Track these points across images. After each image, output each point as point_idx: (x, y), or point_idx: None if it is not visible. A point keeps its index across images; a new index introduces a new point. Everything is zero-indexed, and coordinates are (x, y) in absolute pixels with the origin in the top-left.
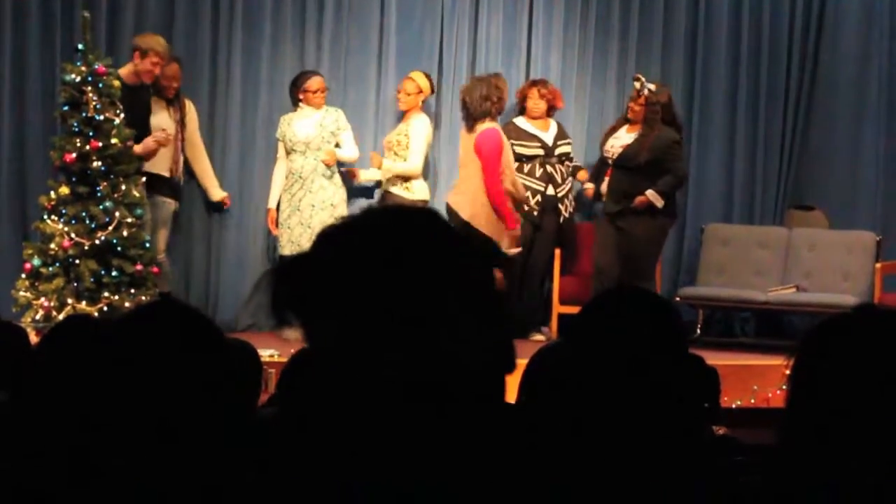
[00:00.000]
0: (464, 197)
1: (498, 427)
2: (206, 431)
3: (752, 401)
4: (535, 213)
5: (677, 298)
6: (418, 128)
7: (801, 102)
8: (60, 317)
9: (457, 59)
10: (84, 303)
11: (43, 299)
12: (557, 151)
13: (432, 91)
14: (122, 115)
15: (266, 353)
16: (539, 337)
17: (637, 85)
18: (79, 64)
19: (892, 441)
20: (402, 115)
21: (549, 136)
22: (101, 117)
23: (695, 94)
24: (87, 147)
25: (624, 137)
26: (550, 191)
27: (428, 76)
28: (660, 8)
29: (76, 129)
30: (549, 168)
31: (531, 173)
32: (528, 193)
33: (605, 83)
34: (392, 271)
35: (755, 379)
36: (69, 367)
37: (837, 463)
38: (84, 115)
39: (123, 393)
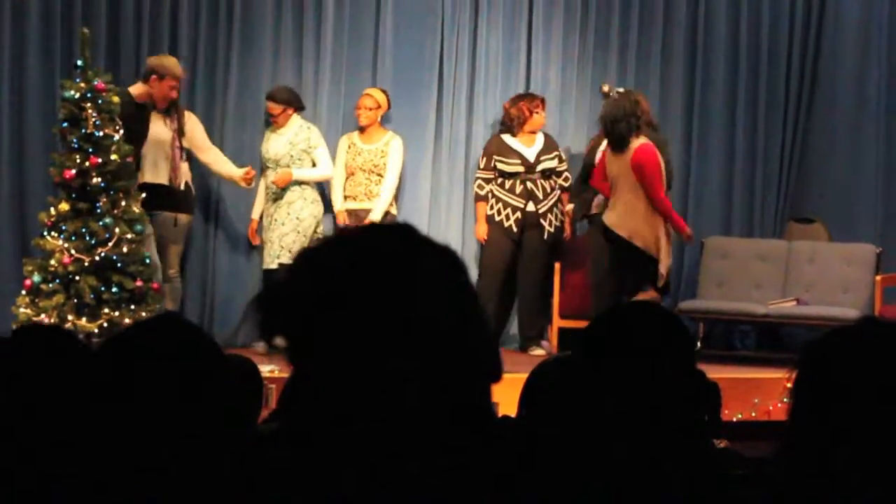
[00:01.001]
0: (622, 215)
1: (490, 438)
2: (207, 448)
3: (753, 414)
4: (515, 230)
5: (678, 311)
6: (398, 150)
7: (800, 115)
8: None
9: (457, 72)
10: (84, 319)
11: (43, 316)
12: (540, 167)
13: (388, 107)
14: (122, 131)
15: (266, 369)
16: (539, 351)
17: (605, 88)
18: (78, 80)
19: (894, 454)
20: (362, 129)
21: (531, 152)
22: (101, 133)
23: (694, 107)
24: (87, 163)
25: None
26: (531, 207)
27: (385, 92)
28: (658, 21)
29: (75, 146)
30: (529, 184)
31: (511, 190)
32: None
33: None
34: (373, 289)
35: (756, 392)
36: (36, 377)
37: (839, 476)
38: (83, 131)
39: (122, 408)
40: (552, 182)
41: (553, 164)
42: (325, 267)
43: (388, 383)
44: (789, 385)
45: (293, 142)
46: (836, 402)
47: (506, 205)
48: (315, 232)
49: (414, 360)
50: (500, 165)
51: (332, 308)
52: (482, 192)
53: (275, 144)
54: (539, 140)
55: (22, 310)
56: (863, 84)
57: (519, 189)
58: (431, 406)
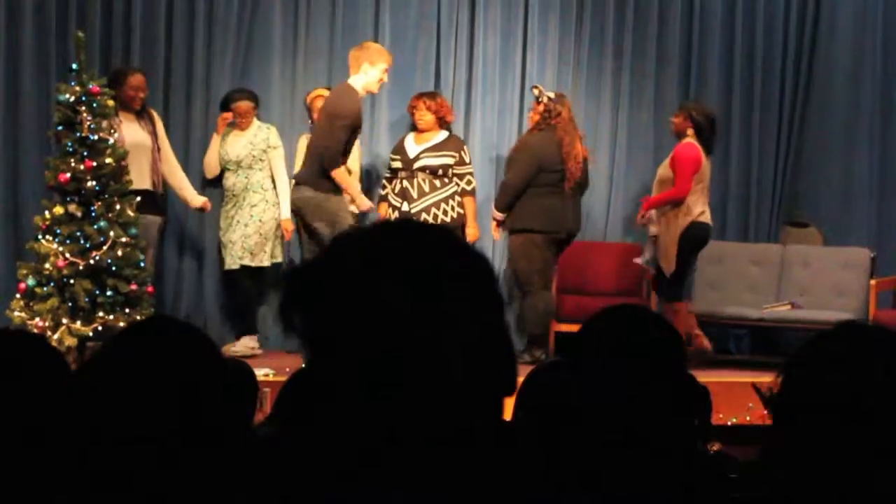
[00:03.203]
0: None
1: (498, 448)
2: (202, 451)
3: (748, 418)
4: None
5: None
6: (357, 149)
7: (794, 119)
8: (55, 337)
9: (454, 76)
10: (79, 323)
11: (38, 319)
12: (417, 164)
13: None
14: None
15: (261, 373)
16: None
17: (535, 92)
18: (73, 84)
19: (874, 456)
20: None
21: (415, 149)
22: (96, 137)
23: None
24: (82, 167)
25: None
26: (405, 206)
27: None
28: (654, 25)
29: (70, 149)
30: (405, 182)
31: (394, 188)
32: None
33: (599, 100)
34: (401, 285)
35: (750, 396)
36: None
37: (820, 479)
38: (78, 134)
39: (120, 410)
40: (443, 181)
41: (436, 161)
42: (360, 258)
43: (401, 385)
44: (775, 390)
45: (253, 142)
46: (816, 405)
47: (390, 204)
48: (275, 234)
49: (431, 363)
50: (391, 164)
51: (357, 302)
52: (383, 193)
53: (235, 146)
54: (437, 138)
55: (16, 313)
56: (857, 87)
57: (398, 188)
58: (442, 413)
